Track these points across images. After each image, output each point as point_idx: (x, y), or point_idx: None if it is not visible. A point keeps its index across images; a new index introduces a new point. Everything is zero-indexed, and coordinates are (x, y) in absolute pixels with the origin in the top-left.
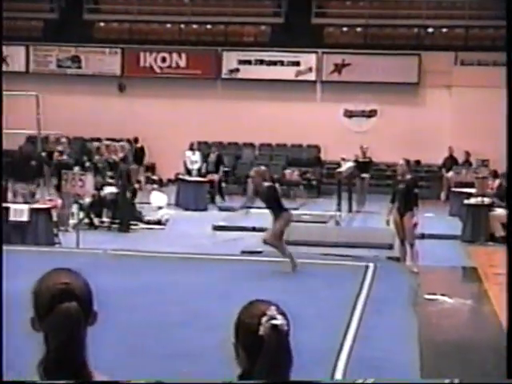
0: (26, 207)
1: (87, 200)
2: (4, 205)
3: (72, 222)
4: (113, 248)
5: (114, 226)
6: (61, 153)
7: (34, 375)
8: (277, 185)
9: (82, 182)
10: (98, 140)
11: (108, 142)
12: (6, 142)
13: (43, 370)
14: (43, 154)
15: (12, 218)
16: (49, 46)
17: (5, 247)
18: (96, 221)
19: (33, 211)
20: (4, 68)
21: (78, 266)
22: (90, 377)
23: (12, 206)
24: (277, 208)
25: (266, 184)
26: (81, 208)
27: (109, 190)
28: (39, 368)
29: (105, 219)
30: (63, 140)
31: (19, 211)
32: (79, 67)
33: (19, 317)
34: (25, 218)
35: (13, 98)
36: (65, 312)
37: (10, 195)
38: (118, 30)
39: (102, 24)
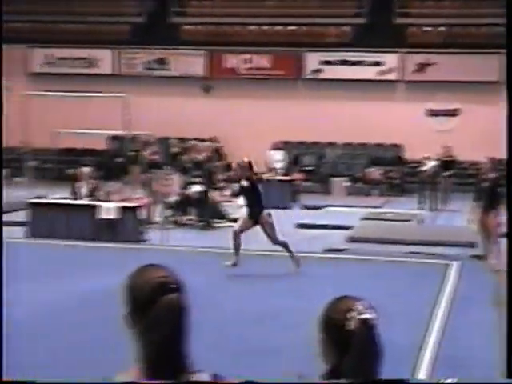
0: (114, 205)
1: (174, 198)
2: (93, 203)
3: (159, 219)
4: (198, 245)
5: (200, 223)
6: (153, 153)
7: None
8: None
9: (170, 181)
10: (184, 140)
11: (194, 142)
12: (92, 142)
13: (146, 365)
14: (131, 153)
15: (101, 215)
16: (136, 49)
17: (94, 244)
18: (182, 219)
19: (121, 209)
20: (94, 71)
21: (165, 262)
22: (190, 373)
23: (102, 204)
24: (258, 205)
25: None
26: (168, 206)
27: (194, 189)
28: (139, 364)
29: (191, 217)
30: (153, 140)
31: (108, 209)
32: (166, 69)
33: (117, 313)
34: (113, 215)
35: (100, 99)
36: (168, 304)
37: (99, 193)
38: (203, 33)
39: (187, 27)
